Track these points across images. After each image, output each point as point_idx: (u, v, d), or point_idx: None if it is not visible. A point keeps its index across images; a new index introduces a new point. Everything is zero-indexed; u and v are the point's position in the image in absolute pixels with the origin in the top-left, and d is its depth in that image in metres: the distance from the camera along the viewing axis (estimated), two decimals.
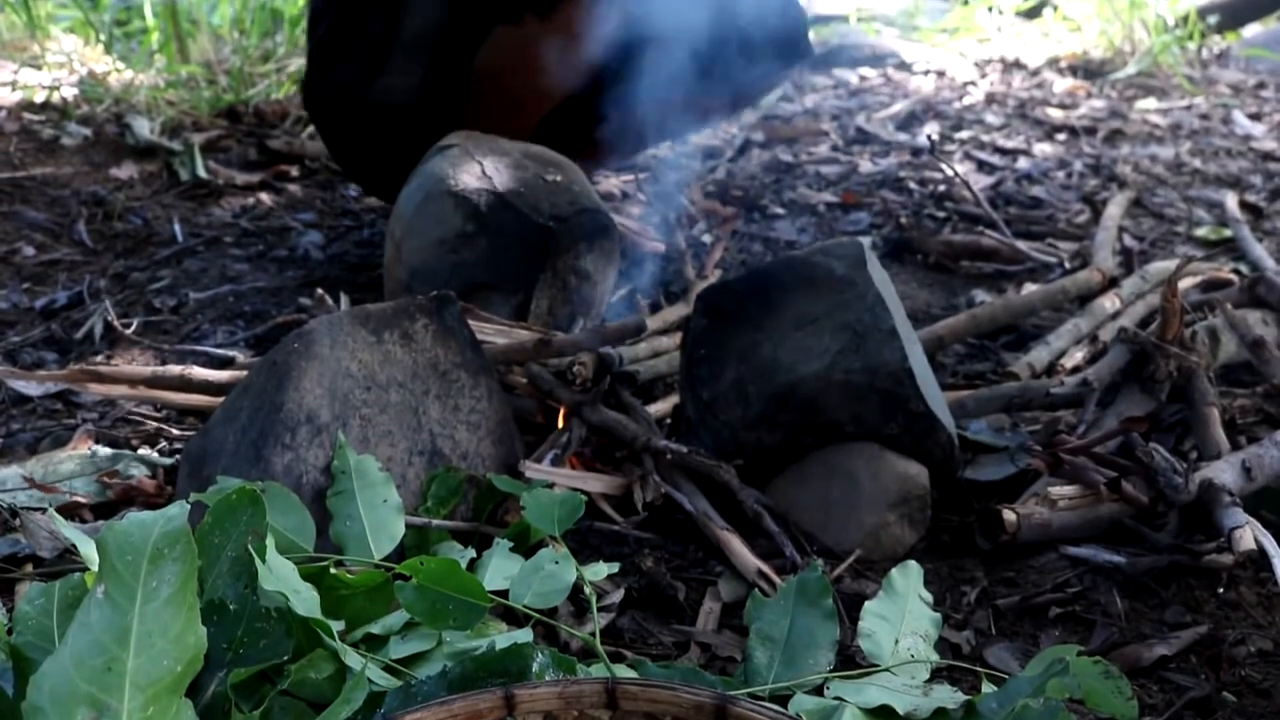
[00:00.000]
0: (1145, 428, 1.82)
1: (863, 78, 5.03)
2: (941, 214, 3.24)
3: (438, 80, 2.46)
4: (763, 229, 3.11)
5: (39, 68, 3.71)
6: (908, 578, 1.44)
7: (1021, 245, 2.87)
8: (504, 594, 1.41)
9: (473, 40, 2.46)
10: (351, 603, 1.34)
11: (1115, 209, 3.06)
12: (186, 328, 2.42)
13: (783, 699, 1.28)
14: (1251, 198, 3.44)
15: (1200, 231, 3.16)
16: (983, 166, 3.75)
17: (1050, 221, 3.19)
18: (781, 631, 1.33)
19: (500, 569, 1.47)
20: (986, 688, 1.31)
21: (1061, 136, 4.12)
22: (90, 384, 1.94)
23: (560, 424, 1.86)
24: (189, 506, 1.14)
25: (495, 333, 1.93)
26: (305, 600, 1.22)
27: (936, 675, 1.35)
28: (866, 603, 1.41)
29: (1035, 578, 1.65)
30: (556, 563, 1.45)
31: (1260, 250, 2.86)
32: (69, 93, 3.51)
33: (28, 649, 1.15)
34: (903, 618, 1.39)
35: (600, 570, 1.51)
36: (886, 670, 1.31)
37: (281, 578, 1.22)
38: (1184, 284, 2.45)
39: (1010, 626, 1.56)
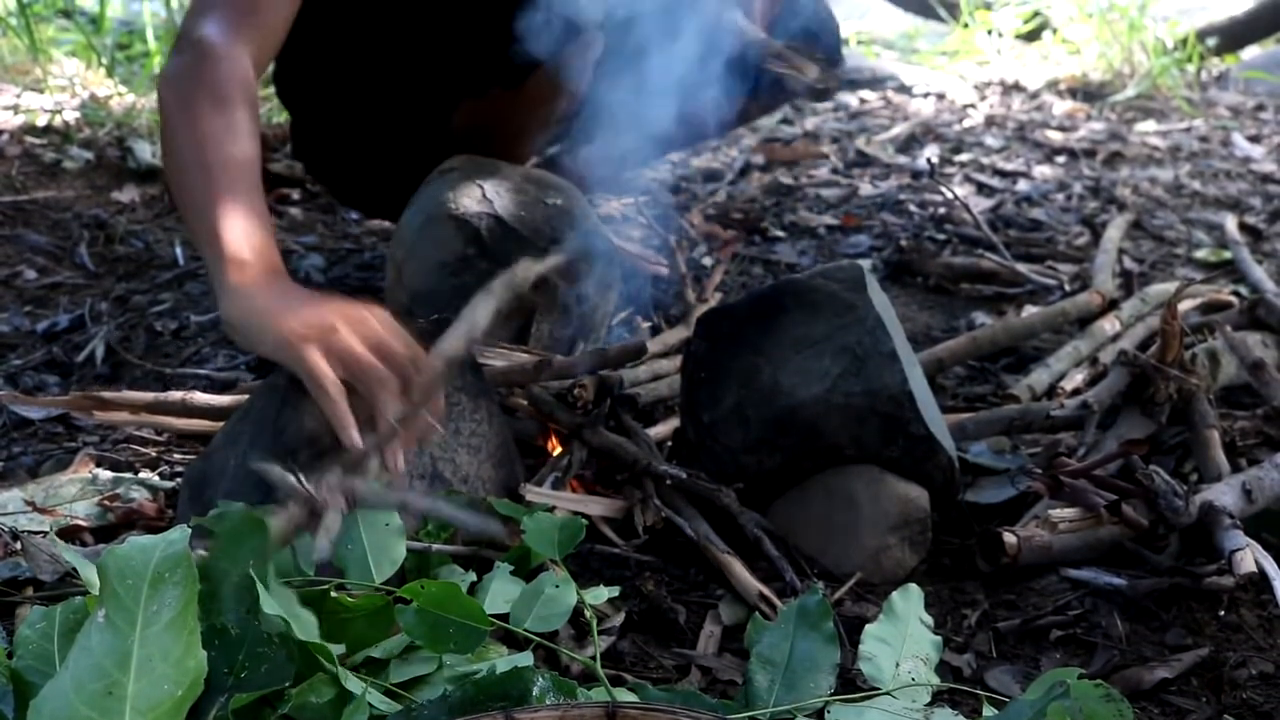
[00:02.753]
0: (1145, 450, 1.82)
1: (862, 100, 5.04)
2: (941, 236, 3.24)
3: (416, 143, 2.45)
4: (763, 252, 3.11)
5: (41, 91, 3.72)
6: (908, 601, 1.44)
7: (1021, 268, 2.88)
8: (504, 617, 1.41)
9: (442, 110, 2.44)
10: (352, 626, 1.34)
11: (1115, 231, 3.07)
12: (188, 351, 2.42)
13: None
14: (1251, 220, 3.45)
15: (1200, 254, 3.16)
16: (982, 189, 3.75)
17: (1050, 244, 3.19)
18: (782, 655, 1.33)
19: (501, 592, 1.47)
20: (988, 711, 1.31)
21: (1061, 159, 4.13)
22: (93, 410, 1.94)
23: (558, 448, 1.87)
24: (190, 530, 1.14)
25: (495, 356, 1.93)
26: (305, 624, 1.22)
27: (937, 698, 1.35)
28: (867, 626, 1.41)
29: (1036, 600, 1.65)
30: (557, 586, 1.45)
31: (1260, 272, 2.86)
32: (71, 116, 3.51)
33: (28, 673, 1.15)
34: (903, 641, 1.39)
35: (601, 594, 1.51)
36: (887, 694, 1.31)
37: (282, 602, 1.22)
38: (1184, 306, 2.46)
39: (1011, 649, 1.56)
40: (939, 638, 1.42)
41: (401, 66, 2.35)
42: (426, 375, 1.48)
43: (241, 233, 1.64)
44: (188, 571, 1.10)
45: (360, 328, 1.51)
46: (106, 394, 1.95)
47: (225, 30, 1.81)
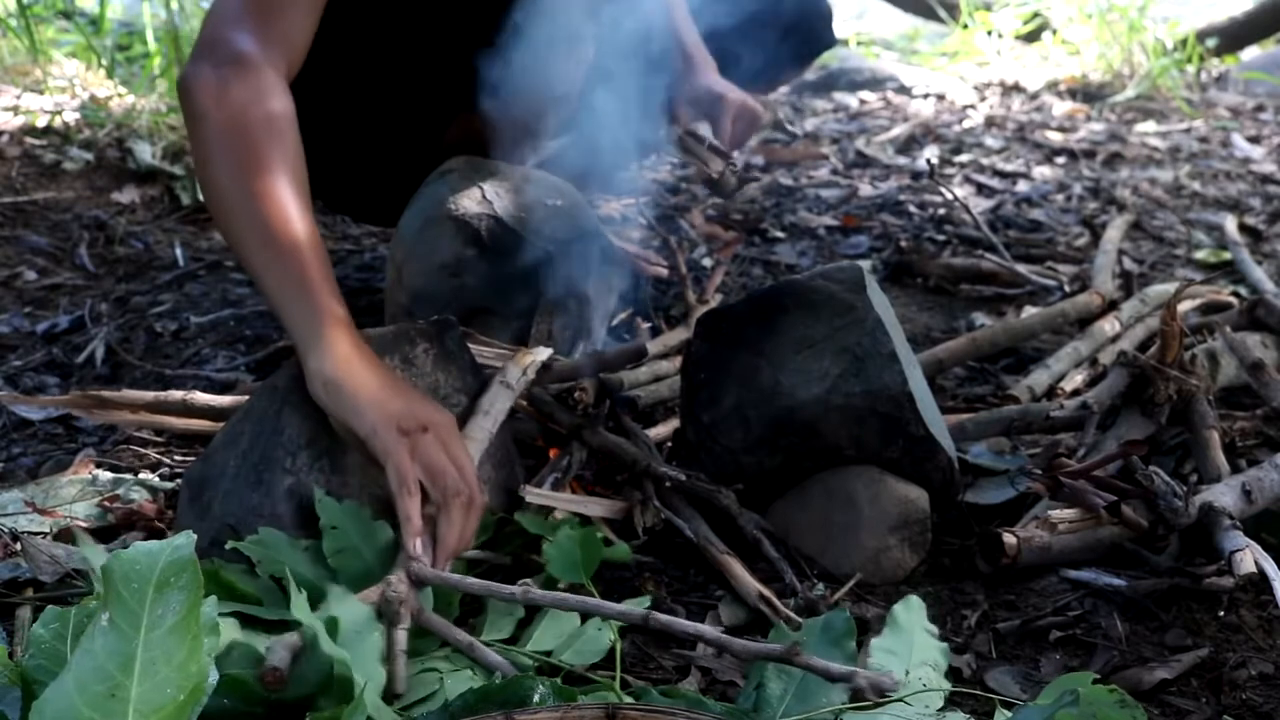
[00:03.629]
0: (1145, 451, 1.82)
1: (862, 101, 5.05)
2: (941, 237, 3.25)
3: (408, 154, 2.44)
4: (763, 253, 3.11)
5: (41, 92, 3.72)
6: (910, 611, 1.44)
7: (1021, 268, 2.88)
8: (546, 654, 1.43)
9: (435, 123, 2.43)
10: None
11: (1115, 232, 3.07)
12: (187, 352, 2.42)
13: None
14: (1250, 220, 3.45)
15: (1199, 254, 3.17)
16: (982, 190, 3.76)
17: (1050, 245, 3.20)
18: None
19: (550, 630, 1.47)
20: (999, 716, 1.31)
21: (1061, 160, 4.13)
22: (93, 409, 1.94)
23: (552, 454, 1.87)
24: (195, 536, 1.14)
25: (495, 357, 1.93)
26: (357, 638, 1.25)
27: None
28: (873, 639, 1.41)
29: (1036, 601, 1.65)
30: (600, 629, 1.46)
31: (1259, 273, 2.87)
32: (71, 117, 3.51)
33: (39, 673, 1.15)
34: (910, 650, 1.39)
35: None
36: (900, 700, 1.30)
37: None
38: (1183, 307, 2.46)
39: (1011, 650, 1.56)
40: (945, 644, 1.42)
41: (395, 83, 2.34)
42: (481, 496, 1.55)
43: (323, 277, 1.65)
44: (193, 576, 1.10)
45: (447, 437, 1.56)
46: (107, 393, 1.95)
47: (260, 44, 1.79)
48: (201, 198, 3.18)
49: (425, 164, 2.31)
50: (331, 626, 1.27)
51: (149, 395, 1.97)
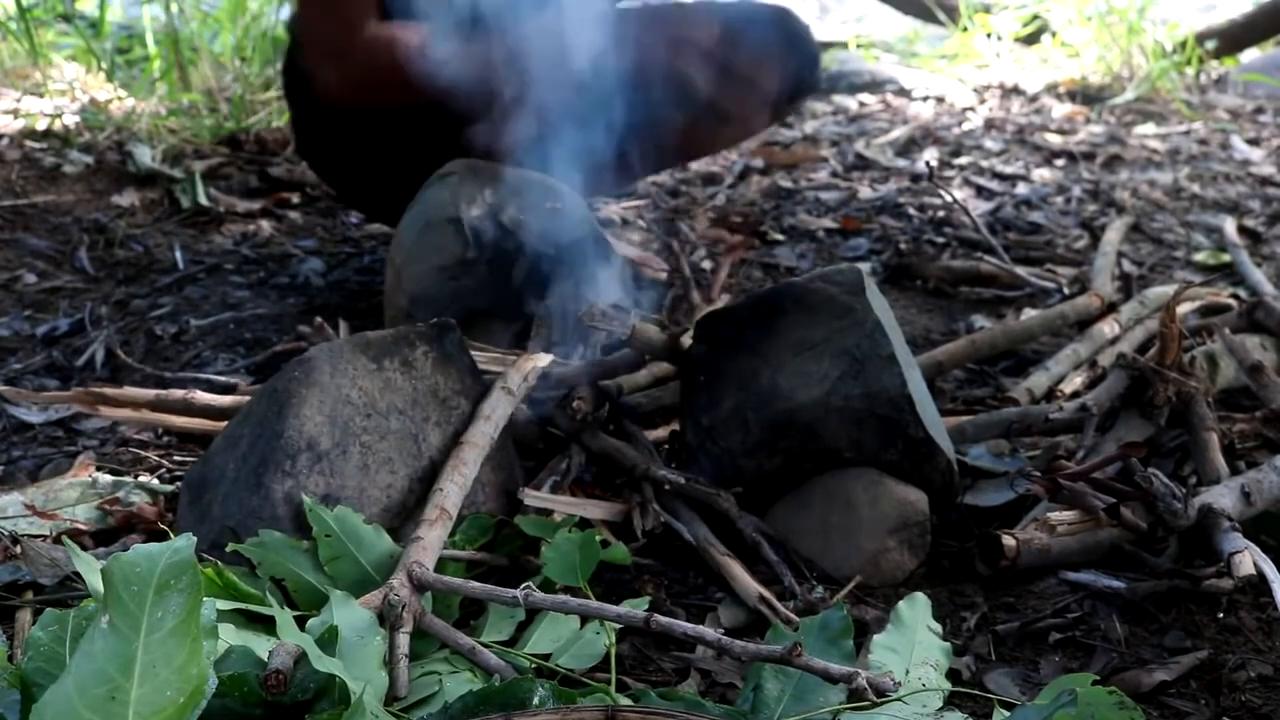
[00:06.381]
0: (1144, 453, 1.82)
1: (862, 104, 5.05)
2: (941, 240, 3.25)
3: (428, 150, 2.45)
4: (762, 255, 3.11)
5: (41, 95, 3.72)
6: (915, 609, 1.44)
7: (1020, 271, 2.88)
8: (545, 657, 1.43)
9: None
10: None
11: (1114, 234, 3.07)
12: (187, 355, 2.43)
13: None
14: (1250, 223, 3.45)
15: (1199, 256, 3.17)
16: (982, 192, 3.76)
17: (1049, 247, 3.20)
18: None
19: (548, 633, 1.48)
20: (997, 716, 1.31)
21: (1060, 162, 4.13)
22: (96, 405, 1.94)
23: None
24: (195, 538, 1.14)
25: (495, 360, 1.94)
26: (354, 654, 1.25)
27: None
28: (875, 636, 1.41)
29: (1035, 603, 1.65)
30: (597, 633, 1.46)
31: (1259, 275, 2.87)
32: (71, 120, 3.52)
33: (38, 675, 1.16)
34: (912, 649, 1.39)
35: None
36: (898, 700, 1.30)
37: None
38: (1182, 309, 2.46)
39: (1010, 652, 1.56)
40: (948, 644, 1.42)
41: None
42: None
43: None
44: (193, 579, 1.10)
45: None
46: (109, 390, 1.95)
47: None
48: (201, 201, 3.18)
49: (445, 160, 2.31)
50: (330, 635, 1.27)
51: (150, 393, 1.97)
